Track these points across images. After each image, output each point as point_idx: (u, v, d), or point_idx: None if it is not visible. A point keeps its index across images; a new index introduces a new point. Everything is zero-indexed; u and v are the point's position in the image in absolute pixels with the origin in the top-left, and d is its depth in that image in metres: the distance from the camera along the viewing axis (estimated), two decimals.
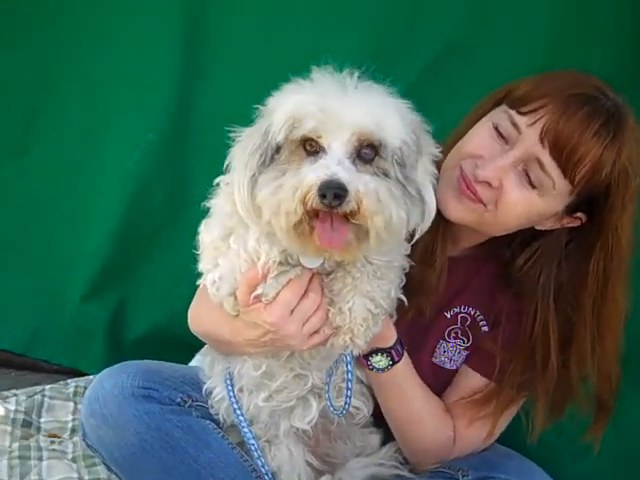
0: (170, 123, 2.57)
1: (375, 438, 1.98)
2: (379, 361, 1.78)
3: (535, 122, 1.67)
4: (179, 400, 1.85)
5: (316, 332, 1.64)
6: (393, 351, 1.78)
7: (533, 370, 1.84)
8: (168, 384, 1.87)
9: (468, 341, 1.98)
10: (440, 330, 1.97)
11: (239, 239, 1.61)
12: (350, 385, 1.75)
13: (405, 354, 1.82)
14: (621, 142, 1.67)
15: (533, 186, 1.71)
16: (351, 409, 1.82)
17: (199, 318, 1.86)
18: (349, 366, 1.74)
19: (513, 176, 1.71)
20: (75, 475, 2.14)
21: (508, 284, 1.92)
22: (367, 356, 1.77)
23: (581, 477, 2.41)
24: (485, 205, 1.74)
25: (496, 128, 1.75)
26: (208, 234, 1.67)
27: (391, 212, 1.44)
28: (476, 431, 1.90)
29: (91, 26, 2.55)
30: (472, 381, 1.93)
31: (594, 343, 1.81)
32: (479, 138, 1.78)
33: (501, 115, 1.75)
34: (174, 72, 2.53)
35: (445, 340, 1.97)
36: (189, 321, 1.90)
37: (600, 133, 1.64)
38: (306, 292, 1.61)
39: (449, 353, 1.98)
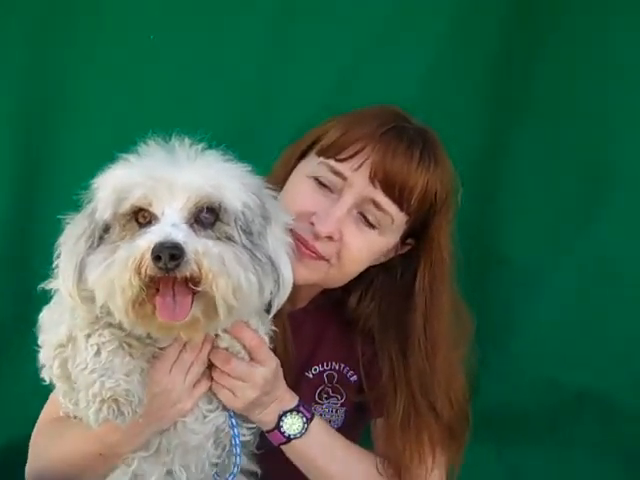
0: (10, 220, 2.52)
1: None
2: (292, 424, 1.68)
3: (360, 165, 1.70)
4: None
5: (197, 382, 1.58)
6: (301, 408, 1.69)
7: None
8: None
9: (342, 397, 1.93)
10: (309, 393, 1.89)
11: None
12: (238, 451, 1.62)
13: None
14: (441, 163, 1.76)
15: (373, 226, 1.74)
16: None
17: (54, 451, 1.70)
18: (235, 430, 1.62)
19: (351, 223, 1.72)
20: None
21: (355, 326, 1.89)
22: (275, 428, 1.67)
23: None
24: (328, 260, 1.73)
25: (317, 180, 1.75)
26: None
27: (238, 275, 1.35)
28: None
29: None
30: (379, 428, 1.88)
31: (429, 360, 1.80)
32: (303, 195, 1.75)
33: (318, 167, 1.76)
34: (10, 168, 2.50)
35: (317, 403, 1.91)
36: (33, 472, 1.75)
37: (422, 161, 1.72)
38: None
39: (326, 415, 1.91)
